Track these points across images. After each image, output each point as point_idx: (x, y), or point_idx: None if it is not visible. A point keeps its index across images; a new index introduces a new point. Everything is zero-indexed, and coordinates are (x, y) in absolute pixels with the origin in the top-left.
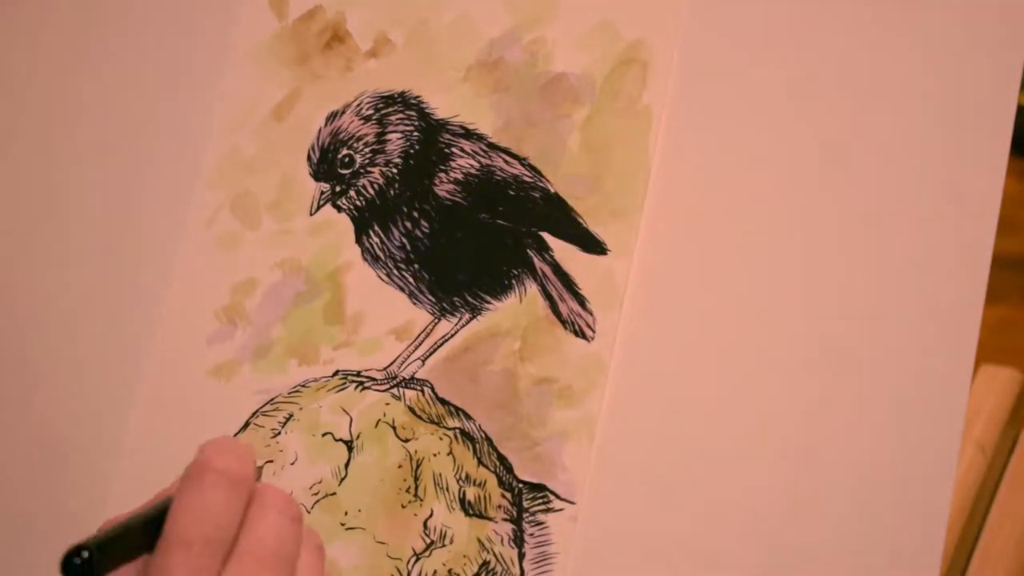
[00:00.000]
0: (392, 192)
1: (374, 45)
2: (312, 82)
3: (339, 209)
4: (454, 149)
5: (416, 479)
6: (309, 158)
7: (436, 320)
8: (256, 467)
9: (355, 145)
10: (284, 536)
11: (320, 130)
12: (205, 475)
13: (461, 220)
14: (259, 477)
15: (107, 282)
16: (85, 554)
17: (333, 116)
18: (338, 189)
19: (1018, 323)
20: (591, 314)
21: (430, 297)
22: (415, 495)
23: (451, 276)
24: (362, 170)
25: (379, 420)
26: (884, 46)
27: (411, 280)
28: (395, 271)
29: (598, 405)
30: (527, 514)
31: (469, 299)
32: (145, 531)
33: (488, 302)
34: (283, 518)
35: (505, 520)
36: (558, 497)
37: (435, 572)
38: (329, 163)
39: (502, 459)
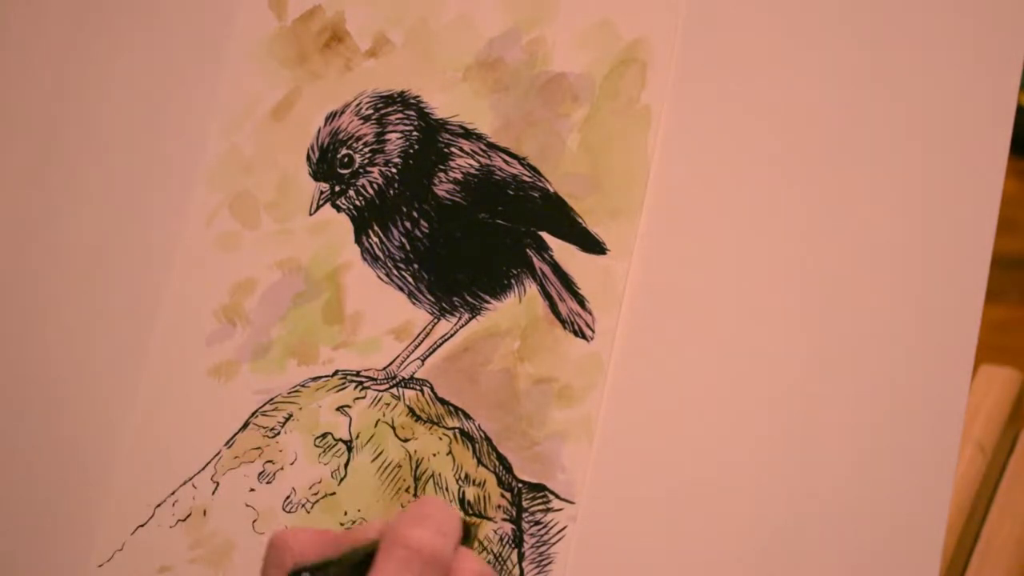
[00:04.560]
0: (391, 192)
1: (373, 45)
2: (311, 82)
3: (338, 209)
4: (453, 149)
5: (416, 479)
6: (308, 158)
7: (435, 320)
8: (468, 532)
9: (354, 145)
10: None
11: (319, 130)
12: (397, 550)
13: (460, 220)
14: (472, 536)
15: (106, 282)
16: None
17: (332, 116)
18: (337, 189)
19: (1018, 323)
20: (590, 314)
21: (429, 297)
22: (415, 495)
23: (450, 276)
24: (361, 170)
25: (379, 420)
26: (883, 46)
27: (410, 280)
28: (394, 271)
29: (597, 405)
30: (526, 514)
31: (468, 299)
32: (353, 571)
33: (487, 302)
34: None
35: (504, 520)
36: (557, 497)
37: None
38: (328, 163)
39: (501, 459)
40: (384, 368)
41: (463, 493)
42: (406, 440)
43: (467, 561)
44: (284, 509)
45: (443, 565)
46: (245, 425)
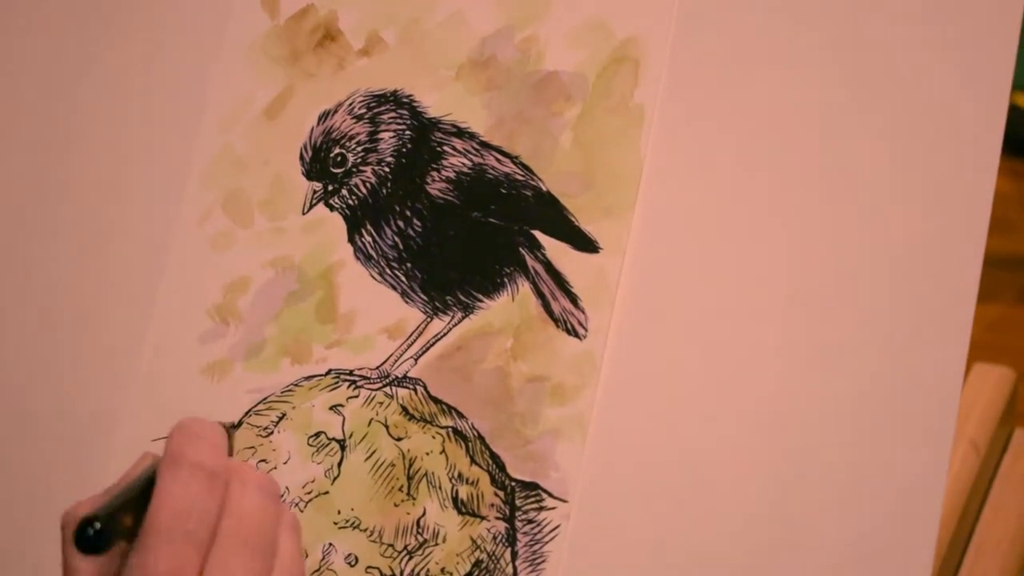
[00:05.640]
0: (384, 191)
1: (366, 44)
2: (304, 81)
3: (331, 208)
4: (446, 148)
5: (409, 478)
6: (301, 157)
7: (428, 319)
8: (228, 440)
9: (347, 144)
10: (265, 516)
11: (312, 129)
12: (181, 469)
13: (453, 219)
14: (232, 445)
15: (100, 281)
16: (97, 525)
17: (325, 115)
18: (330, 188)
19: (1012, 322)
20: (583, 312)
21: (422, 296)
22: (408, 494)
23: (443, 275)
24: (354, 169)
25: (372, 419)
26: (876, 45)
27: (403, 279)
28: (387, 270)
29: (590, 403)
30: (520, 512)
31: (461, 297)
32: (136, 504)
33: (480, 300)
34: (264, 497)
35: (498, 519)
36: (550, 495)
37: (428, 571)
38: (321, 162)
39: (495, 457)
40: (377, 367)
41: (456, 492)
42: (399, 439)
43: (247, 467)
44: None
45: (223, 476)
46: (239, 424)
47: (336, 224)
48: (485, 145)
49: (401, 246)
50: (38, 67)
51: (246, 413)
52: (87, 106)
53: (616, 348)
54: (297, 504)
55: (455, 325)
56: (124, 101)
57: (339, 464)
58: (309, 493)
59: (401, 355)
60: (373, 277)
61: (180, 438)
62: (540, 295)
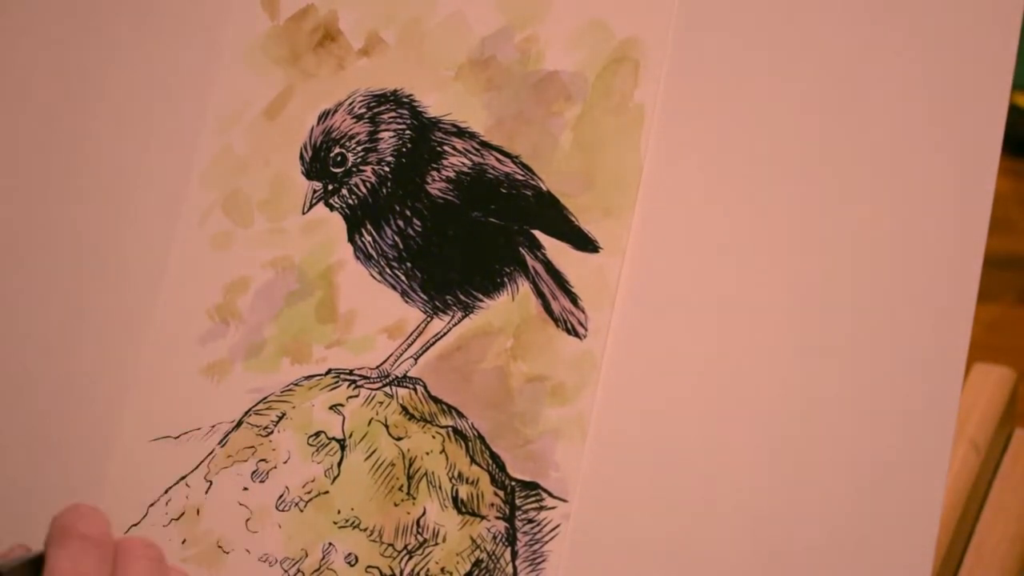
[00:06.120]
0: (384, 190)
1: (366, 44)
2: (304, 81)
3: (331, 208)
4: (446, 147)
5: (409, 477)
6: (301, 157)
7: (428, 318)
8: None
9: (347, 144)
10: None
11: (312, 129)
12: (71, 542)
13: (453, 218)
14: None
15: (99, 281)
16: None
17: (325, 115)
18: (330, 188)
19: (1012, 322)
20: (583, 312)
21: (422, 295)
22: (408, 493)
23: (443, 274)
24: (354, 168)
25: (372, 419)
26: (876, 44)
27: (403, 278)
28: (387, 269)
29: (590, 403)
30: (520, 512)
31: (461, 297)
32: None
33: (480, 300)
34: (149, 563)
35: (498, 518)
36: (551, 495)
37: (428, 570)
38: (322, 162)
39: (495, 457)
40: (377, 367)
41: (456, 491)
42: (399, 439)
43: (130, 538)
44: (277, 508)
45: (111, 547)
46: (238, 424)
47: (336, 224)
48: (485, 145)
49: (401, 246)
50: (38, 68)
51: (246, 413)
52: (87, 107)
53: (616, 348)
54: (297, 504)
55: (455, 325)
56: (124, 101)
57: (339, 464)
58: (309, 493)
59: (401, 355)
60: (373, 277)
61: (68, 514)
62: (540, 295)
